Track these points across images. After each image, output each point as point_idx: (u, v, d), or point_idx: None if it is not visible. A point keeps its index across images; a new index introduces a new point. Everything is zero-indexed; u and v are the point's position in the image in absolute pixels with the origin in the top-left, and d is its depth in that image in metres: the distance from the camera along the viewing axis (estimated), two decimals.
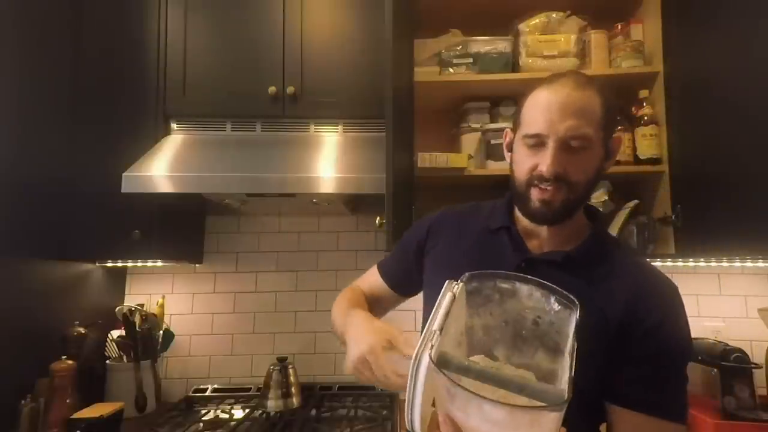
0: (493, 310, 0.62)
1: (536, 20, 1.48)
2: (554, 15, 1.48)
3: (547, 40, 1.46)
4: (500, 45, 1.49)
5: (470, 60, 1.48)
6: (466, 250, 0.82)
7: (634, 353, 0.67)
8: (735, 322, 1.61)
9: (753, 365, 1.29)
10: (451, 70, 1.49)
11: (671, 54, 1.36)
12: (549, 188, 0.70)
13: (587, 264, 0.73)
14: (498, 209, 0.83)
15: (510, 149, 0.80)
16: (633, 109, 1.46)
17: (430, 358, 0.48)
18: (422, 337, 0.51)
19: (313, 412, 1.50)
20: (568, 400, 0.44)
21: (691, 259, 1.45)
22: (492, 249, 0.79)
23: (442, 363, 0.49)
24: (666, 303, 0.70)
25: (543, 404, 0.46)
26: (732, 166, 1.11)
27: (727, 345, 1.33)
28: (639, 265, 0.75)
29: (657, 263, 1.54)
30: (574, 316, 0.55)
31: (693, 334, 1.57)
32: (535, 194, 0.72)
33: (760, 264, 1.56)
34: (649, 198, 1.46)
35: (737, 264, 1.58)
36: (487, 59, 1.48)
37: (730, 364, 1.28)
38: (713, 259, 1.44)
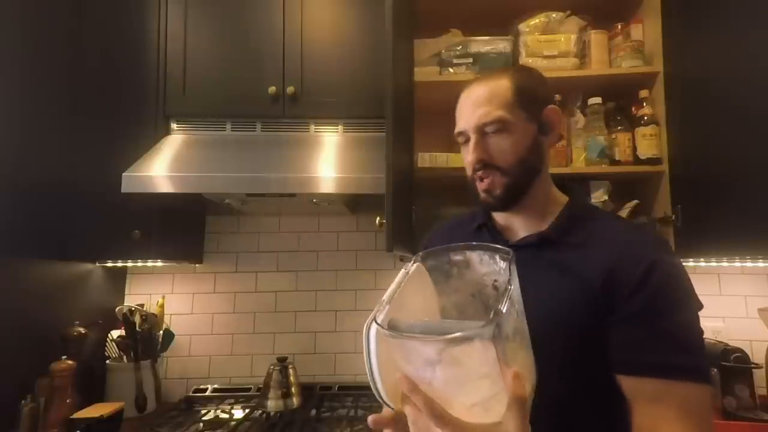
0: (457, 286, 0.62)
1: (536, 20, 1.48)
2: (554, 15, 1.48)
3: (547, 40, 1.46)
4: (500, 45, 1.49)
5: (470, 60, 1.48)
6: None
7: (626, 314, 0.65)
8: (735, 322, 1.61)
9: (753, 365, 1.29)
10: (451, 70, 1.49)
11: (671, 54, 1.36)
12: (484, 178, 0.75)
13: (564, 239, 0.73)
14: (477, 211, 0.87)
15: None
16: (633, 109, 1.46)
17: (376, 322, 0.49)
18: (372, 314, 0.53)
19: (313, 412, 1.50)
20: (486, 326, 0.44)
21: (691, 259, 1.45)
22: None
23: (391, 327, 0.50)
24: (648, 255, 0.66)
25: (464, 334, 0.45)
26: (732, 166, 1.12)
27: (727, 345, 1.33)
28: (617, 226, 0.75)
29: None
30: (511, 264, 0.55)
31: None
32: (478, 187, 0.77)
33: (760, 264, 1.55)
34: (649, 198, 1.46)
35: (737, 264, 1.58)
36: (487, 59, 1.48)
37: (730, 364, 1.28)
38: (713, 259, 1.43)
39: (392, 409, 0.53)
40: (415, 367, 0.48)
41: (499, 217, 0.82)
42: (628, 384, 0.64)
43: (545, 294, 0.68)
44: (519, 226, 0.80)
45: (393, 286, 0.57)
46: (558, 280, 0.70)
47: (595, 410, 0.68)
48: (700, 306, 0.67)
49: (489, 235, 0.82)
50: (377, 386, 0.51)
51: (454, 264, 0.62)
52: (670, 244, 0.72)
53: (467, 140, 0.76)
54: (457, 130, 0.78)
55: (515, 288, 0.52)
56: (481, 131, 0.74)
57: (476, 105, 0.74)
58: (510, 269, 0.53)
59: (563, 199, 0.80)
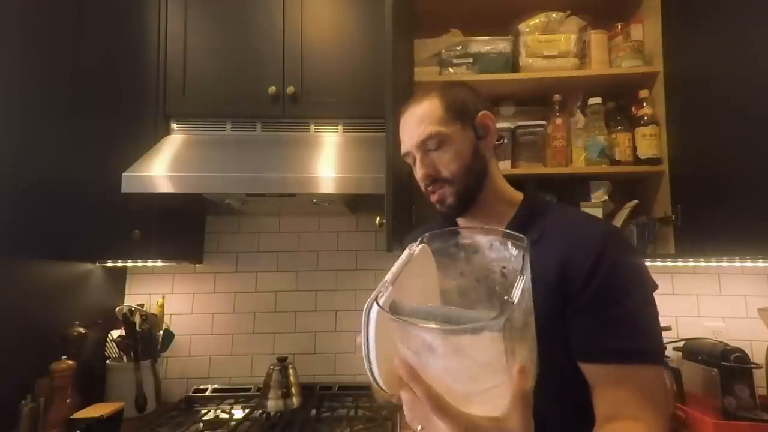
0: (463, 269, 0.61)
1: (536, 20, 1.48)
2: (554, 15, 1.48)
3: (547, 40, 1.46)
4: (500, 45, 1.49)
5: (470, 60, 1.48)
6: None
7: (580, 304, 0.67)
8: (735, 322, 1.61)
9: (753, 365, 1.29)
10: (451, 70, 1.49)
11: (671, 54, 1.37)
12: (434, 191, 0.80)
13: None
14: (446, 218, 0.88)
15: None
16: (633, 109, 1.46)
17: (378, 303, 0.48)
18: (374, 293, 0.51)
19: (313, 412, 1.50)
20: (497, 318, 0.42)
21: (691, 259, 1.45)
22: None
23: (393, 309, 0.49)
24: (596, 246, 0.69)
25: (472, 325, 0.43)
26: (732, 166, 1.12)
27: (727, 345, 1.33)
28: (568, 220, 0.78)
29: (657, 263, 1.55)
30: (525, 252, 0.54)
31: (693, 334, 1.58)
32: (432, 199, 0.81)
33: (760, 264, 1.55)
34: (649, 198, 1.46)
35: (737, 264, 1.58)
36: (487, 59, 1.48)
37: (730, 364, 1.28)
38: (713, 259, 1.44)
39: (386, 392, 0.52)
40: (414, 351, 0.46)
41: (463, 223, 0.85)
42: (588, 371, 0.67)
43: None
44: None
45: (396, 266, 0.55)
46: None
47: (564, 401, 0.69)
48: (655, 287, 0.70)
49: None
50: (372, 369, 0.50)
51: (461, 247, 0.61)
52: (621, 232, 0.73)
53: (414, 160, 0.81)
54: (402, 152, 0.83)
55: (527, 279, 0.50)
56: (424, 148, 0.79)
57: (414, 126, 0.79)
58: (524, 257, 0.52)
59: (519, 198, 0.83)
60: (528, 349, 0.52)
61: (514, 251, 0.56)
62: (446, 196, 0.79)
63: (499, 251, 0.58)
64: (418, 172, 0.80)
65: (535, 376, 0.54)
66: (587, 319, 0.67)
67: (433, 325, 0.45)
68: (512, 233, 0.57)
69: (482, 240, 0.60)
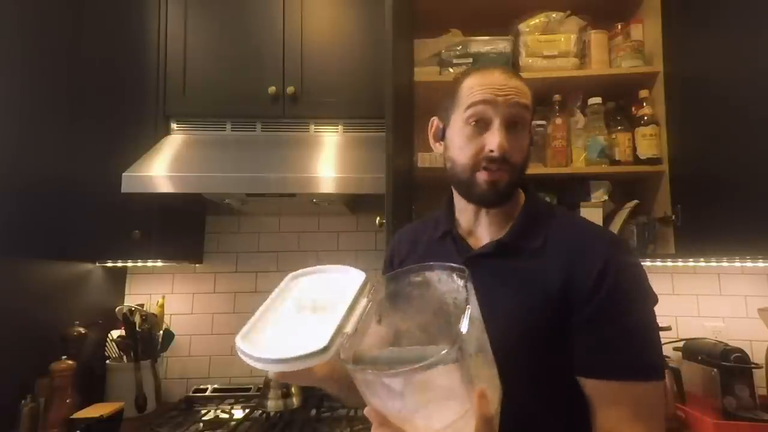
0: (419, 306, 0.62)
1: (536, 20, 1.48)
2: (554, 15, 1.48)
3: (547, 40, 1.46)
4: (500, 45, 1.49)
5: (470, 60, 1.48)
6: (417, 262, 0.82)
7: (583, 319, 0.65)
8: (735, 322, 1.61)
9: (753, 365, 1.29)
10: (451, 70, 1.49)
11: (671, 54, 1.37)
12: (497, 168, 0.70)
13: (520, 245, 0.72)
14: (442, 215, 0.84)
15: (439, 138, 0.81)
16: (633, 109, 1.46)
17: (341, 359, 0.49)
18: (332, 335, 0.52)
19: (313, 412, 1.50)
20: (449, 351, 0.43)
21: (691, 259, 1.45)
22: (439, 256, 0.75)
23: (356, 360, 0.50)
24: (601, 258, 0.66)
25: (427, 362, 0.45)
26: (732, 166, 1.12)
27: (727, 345, 1.33)
28: (572, 229, 0.74)
29: (657, 263, 1.55)
30: (468, 282, 0.55)
31: (693, 334, 1.58)
32: (481, 177, 0.71)
33: (760, 264, 1.55)
34: (649, 198, 1.46)
35: (737, 264, 1.58)
36: (487, 59, 1.48)
37: (730, 364, 1.28)
38: (713, 259, 1.44)
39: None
40: (382, 399, 0.48)
41: (465, 221, 0.80)
42: (588, 385, 0.65)
43: (508, 305, 0.67)
44: (483, 230, 0.78)
45: (356, 313, 0.57)
46: (519, 289, 0.68)
47: (559, 416, 0.67)
48: (656, 300, 0.68)
49: (452, 243, 0.79)
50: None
51: (414, 286, 0.62)
52: (625, 242, 0.73)
53: (482, 120, 0.71)
54: (477, 98, 0.71)
55: (474, 306, 0.52)
56: (513, 118, 0.71)
57: (508, 84, 0.71)
58: (467, 287, 0.53)
59: (522, 199, 0.79)
60: (488, 371, 0.53)
61: (459, 282, 0.58)
62: (503, 180, 0.71)
63: (448, 283, 0.60)
64: (495, 140, 0.69)
65: (500, 393, 0.54)
66: (590, 335, 0.65)
67: (391, 372, 0.47)
68: (454, 266, 0.59)
69: (431, 275, 0.61)
